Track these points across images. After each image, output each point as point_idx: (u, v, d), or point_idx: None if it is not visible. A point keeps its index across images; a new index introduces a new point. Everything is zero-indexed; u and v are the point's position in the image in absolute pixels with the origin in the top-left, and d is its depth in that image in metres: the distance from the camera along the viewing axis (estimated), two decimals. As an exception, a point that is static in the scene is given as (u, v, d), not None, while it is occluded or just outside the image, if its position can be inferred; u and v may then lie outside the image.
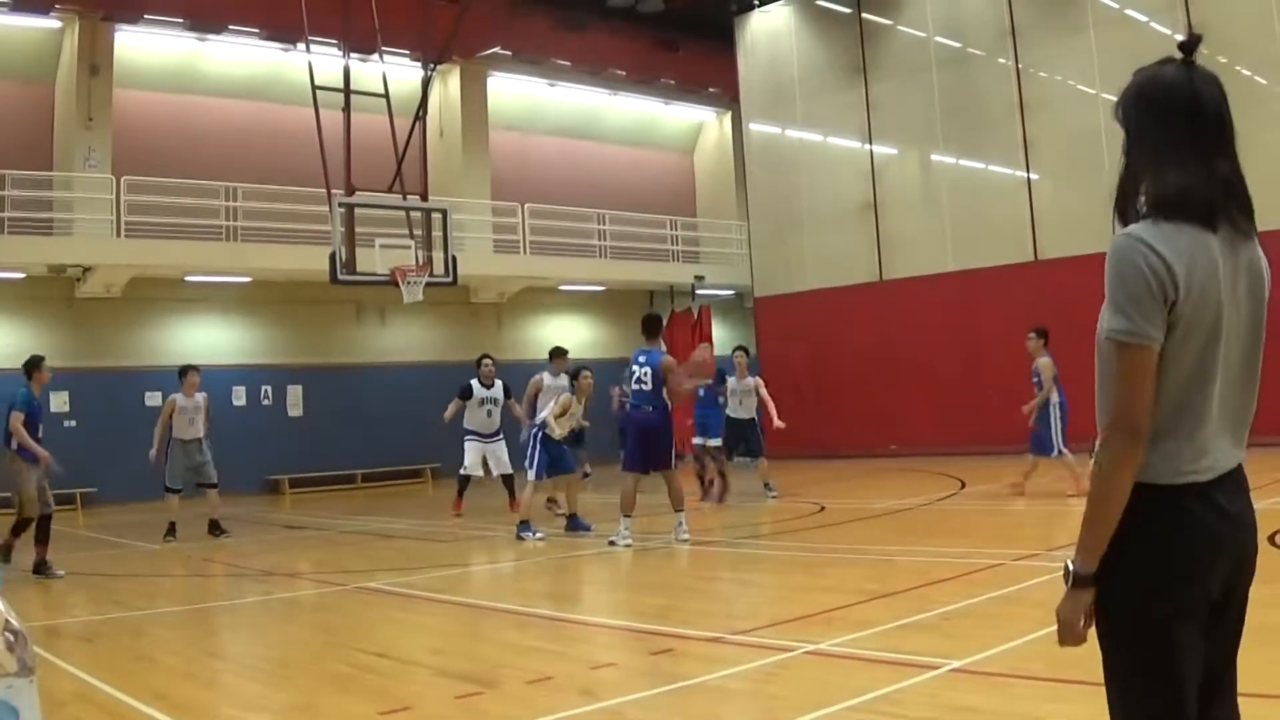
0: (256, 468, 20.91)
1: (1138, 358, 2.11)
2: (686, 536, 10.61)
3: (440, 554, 11.37)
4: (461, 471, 14.88)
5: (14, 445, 10.52)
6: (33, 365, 10.99)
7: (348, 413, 22.22)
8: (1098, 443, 2.18)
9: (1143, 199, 2.22)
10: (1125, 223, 2.22)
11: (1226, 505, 2.17)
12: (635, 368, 10.87)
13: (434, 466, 22.23)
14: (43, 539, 10.50)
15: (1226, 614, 2.23)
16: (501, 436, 14.84)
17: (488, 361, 14.99)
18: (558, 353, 13.75)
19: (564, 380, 13.11)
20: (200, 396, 13.73)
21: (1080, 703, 4.27)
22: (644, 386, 10.79)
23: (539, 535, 11.65)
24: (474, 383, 14.76)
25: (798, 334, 23.34)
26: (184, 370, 13.92)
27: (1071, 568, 2.18)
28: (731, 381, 14.36)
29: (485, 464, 14.78)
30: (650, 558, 10.41)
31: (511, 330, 25.59)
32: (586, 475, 15.11)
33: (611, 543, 10.65)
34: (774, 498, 14.32)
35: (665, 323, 12.22)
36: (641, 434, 10.83)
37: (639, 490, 10.88)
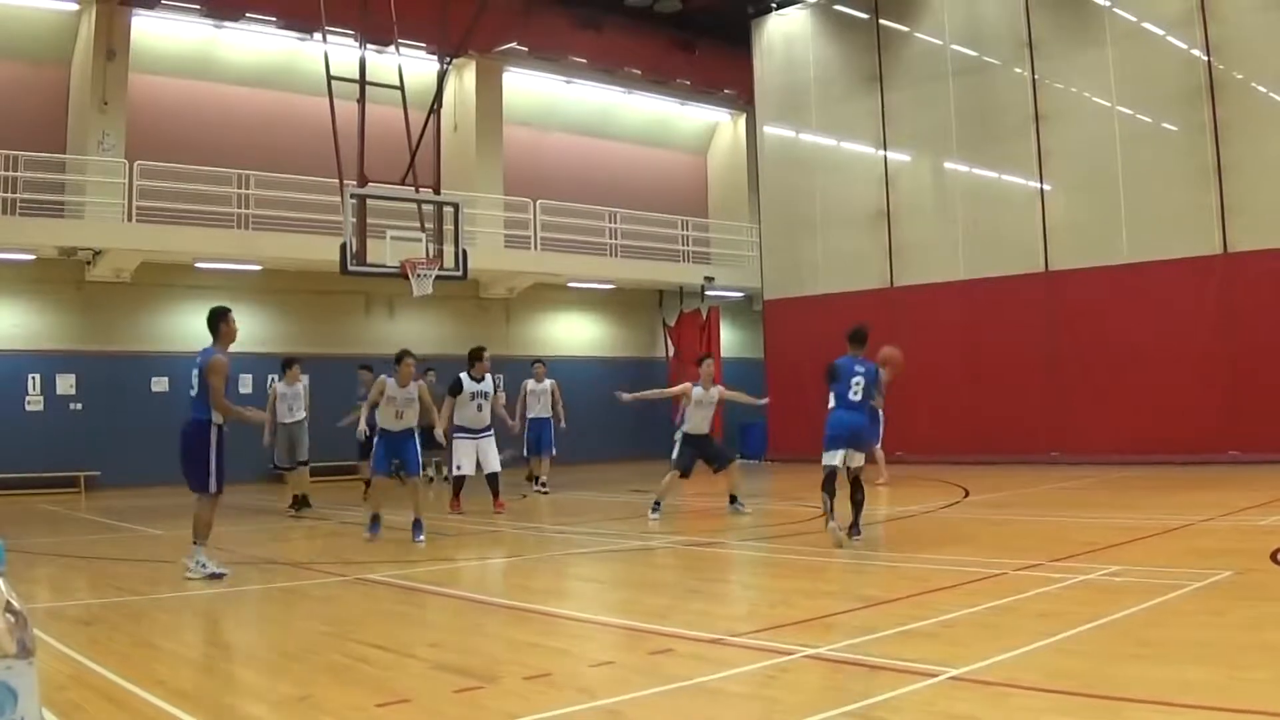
0: (260, 456, 20.92)
1: None
2: (203, 573, 8.91)
3: (441, 547, 11.37)
4: (456, 473, 14.73)
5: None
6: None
7: (353, 403, 22.21)
8: None
9: None
10: None
11: None
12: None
13: (436, 460, 22.23)
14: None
15: None
16: (492, 432, 14.71)
17: (485, 354, 14.95)
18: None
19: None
20: (299, 384, 15.29)
21: (1078, 714, 4.26)
22: (191, 392, 9.33)
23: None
24: (463, 376, 14.53)
25: (806, 338, 23.29)
26: (289, 362, 15.44)
27: None
28: (698, 392, 12.97)
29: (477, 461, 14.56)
30: (652, 558, 10.41)
31: (520, 326, 25.64)
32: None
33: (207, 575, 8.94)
34: (744, 513, 13.03)
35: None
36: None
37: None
